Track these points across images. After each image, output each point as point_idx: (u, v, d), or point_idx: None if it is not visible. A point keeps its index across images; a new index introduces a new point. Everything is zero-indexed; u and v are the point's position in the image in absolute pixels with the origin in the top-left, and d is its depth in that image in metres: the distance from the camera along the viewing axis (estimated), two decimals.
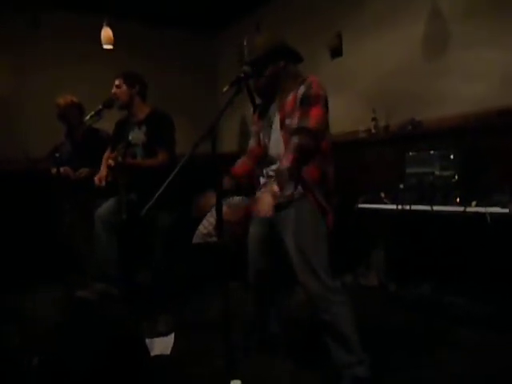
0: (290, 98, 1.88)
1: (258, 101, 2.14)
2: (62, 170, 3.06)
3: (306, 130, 1.74)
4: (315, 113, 1.76)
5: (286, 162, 1.70)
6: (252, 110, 2.47)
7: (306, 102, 1.78)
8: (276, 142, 1.95)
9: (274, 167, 1.96)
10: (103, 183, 2.62)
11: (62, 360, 1.95)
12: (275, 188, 1.67)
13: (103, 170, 2.71)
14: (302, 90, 1.83)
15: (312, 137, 1.74)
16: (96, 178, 2.67)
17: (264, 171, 2.04)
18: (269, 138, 2.00)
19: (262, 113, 2.08)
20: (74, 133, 3.34)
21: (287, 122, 1.87)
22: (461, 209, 2.43)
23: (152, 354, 2.28)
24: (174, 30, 5.12)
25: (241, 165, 2.17)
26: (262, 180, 2.04)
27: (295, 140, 1.74)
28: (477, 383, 1.92)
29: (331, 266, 1.87)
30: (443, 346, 2.25)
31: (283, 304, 2.26)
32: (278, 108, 1.96)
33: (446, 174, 2.67)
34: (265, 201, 1.66)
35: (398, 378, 1.96)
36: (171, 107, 3.03)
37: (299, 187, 1.85)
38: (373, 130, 3.58)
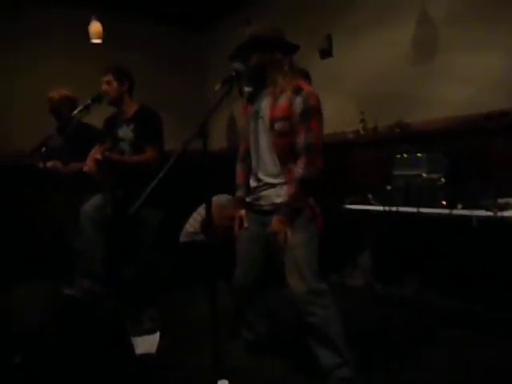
0: (283, 102, 1.87)
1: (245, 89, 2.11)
2: (50, 164, 3.03)
3: (314, 146, 1.83)
4: (315, 126, 1.84)
5: (289, 194, 1.85)
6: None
7: (308, 117, 1.83)
8: (266, 144, 1.94)
9: (262, 175, 1.97)
10: (94, 169, 2.58)
11: (45, 357, 1.93)
12: (285, 221, 1.84)
13: (89, 163, 2.67)
14: (298, 101, 1.84)
15: (318, 153, 1.84)
16: (85, 168, 2.64)
17: (254, 173, 2.04)
18: (256, 135, 1.99)
19: (251, 105, 2.06)
20: (66, 127, 3.29)
21: (277, 126, 1.87)
22: (447, 211, 2.47)
23: (137, 352, 2.26)
24: (163, 26, 5.06)
25: (241, 175, 2.17)
26: (253, 183, 2.04)
27: (299, 170, 1.83)
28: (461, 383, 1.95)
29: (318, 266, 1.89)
30: (428, 346, 2.28)
31: (269, 304, 2.25)
32: (268, 104, 1.94)
33: (433, 176, 2.70)
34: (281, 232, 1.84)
35: (384, 378, 1.98)
36: (159, 104, 3.00)
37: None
38: (361, 132, 3.60)
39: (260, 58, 1.92)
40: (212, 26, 5.30)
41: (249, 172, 2.10)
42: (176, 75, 5.15)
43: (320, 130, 1.86)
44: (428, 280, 2.92)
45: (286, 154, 1.88)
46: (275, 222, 1.86)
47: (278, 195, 1.91)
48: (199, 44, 5.49)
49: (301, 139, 1.83)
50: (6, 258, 3.37)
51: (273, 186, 1.93)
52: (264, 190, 1.97)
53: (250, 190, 2.07)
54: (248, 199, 2.08)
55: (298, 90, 1.85)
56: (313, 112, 1.84)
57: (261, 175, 1.98)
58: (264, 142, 1.95)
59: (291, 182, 1.86)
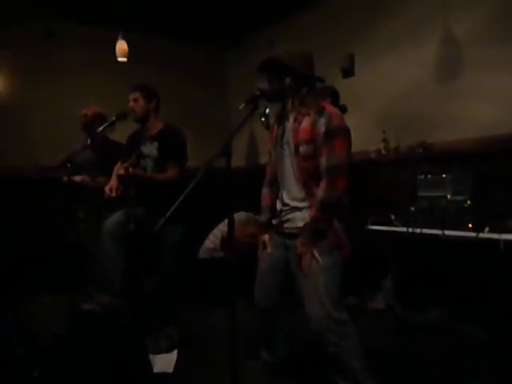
0: (306, 124, 1.84)
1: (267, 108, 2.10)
2: (79, 177, 3.11)
3: (336, 169, 1.77)
4: (339, 145, 1.78)
5: (310, 217, 1.82)
6: (261, 123, 2.43)
7: (330, 138, 1.78)
8: (291, 168, 1.93)
9: (287, 199, 1.95)
10: (113, 193, 2.61)
11: (64, 372, 1.92)
12: (308, 243, 1.80)
13: (114, 180, 2.70)
14: (322, 122, 1.80)
15: (340, 175, 1.78)
16: (107, 188, 2.65)
17: (280, 196, 2.02)
18: (281, 159, 1.98)
19: (277, 127, 2.05)
20: (96, 143, 3.37)
21: (301, 149, 1.85)
22: (473, 234, 2.40)
23: (154, 370, 2.24)
24: (187, 45, 5.18)
25: (267, 198, 2.15)
26: (279, 206, 2.02)
27: (320, 192, 1.79)
28: None
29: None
30: (453, 373, 2.19)
31: (290, 328, 2.20)
32: (291, 128, 1.93)
33: (458, 198, 2.64)
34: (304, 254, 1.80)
35: None
36: (180, 121, 3.01)
37: None
38: (383, 151, 3.57)
39: (275, 82, 1.92)
40: (236, 45, 5.39)
41: (275, 195, 2.08)
42: (198, 93, 5.23)
43: (344, 150, 1.79)
44: (452, 305, 2.83)
45: (311, 178, 1.85)
46: (299, 244, 1.83)
47: (303, 219, 1.87)
48: (222, 62, 5.59)
49: (323, 161, 1.80)
50: (28, 271, 3.42)
51: (298, 209, 1.91)
52: (289, 213, 1.95)
53: (276, 213, 2.05)
54: (274, 221, 2.06)
55: (321, 111, 1.82)
56: (336, 132, 1.79)
57: (286, 199, 1.96)
58: (289, 165, 1.93)
59: (314, 205, 1.83)
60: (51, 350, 2.03)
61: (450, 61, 3.18)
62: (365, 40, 3.83)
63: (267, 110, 2.38)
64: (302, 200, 1.89)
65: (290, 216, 1.94)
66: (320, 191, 1.80)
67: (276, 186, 2.07)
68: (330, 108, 1.85)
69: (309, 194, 1.87)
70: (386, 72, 3.65)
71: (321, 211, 1.79)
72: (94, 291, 2.72)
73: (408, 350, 2.52)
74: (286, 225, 1.97)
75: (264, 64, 1.92)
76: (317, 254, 1.78)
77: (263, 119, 2.40)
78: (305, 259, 1.80)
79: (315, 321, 1.79)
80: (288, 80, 1.89)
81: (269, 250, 2.05)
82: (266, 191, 2.15)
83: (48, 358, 2.03)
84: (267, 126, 2.42)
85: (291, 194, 1.93)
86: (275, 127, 2.06)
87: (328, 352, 1.80)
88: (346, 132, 1.84)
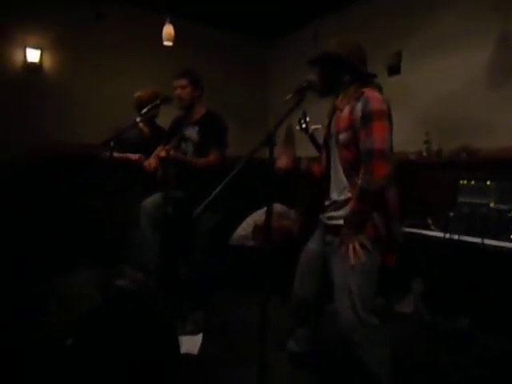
0: (346, 112, 1.81)
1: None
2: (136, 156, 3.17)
3: (374, 153, 1.65)
4: (377, 129, 1.66)
5: (350, 208, 1.75)
6: (300, 129, 2.41)
7: (367, 121, 1.69)
8: (335, 161, 1.91)
9: (333, 193, 1.92)
10: (151, 167, 2.65)
11: (96, 344, 1.99)
12: (349, 235, 1.72)
13: (153, 159, 2.75)
14: (359, 107, 1.73)
15: (380, 160, 1.65)
16: (146, 163, 2.71)
17: (327, 190, 1.98)
18: (330, 154, 1.96)
19: (328, 124, 2.02)
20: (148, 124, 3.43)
21: (341, 137, 1.81)
22: None
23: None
24: (231, 35, 5.18)
25: (316, 167, 2.11)
26: (326, 201, 1.99)
27: (359, 181, 1.70)
28: None
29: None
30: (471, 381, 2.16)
31: (317, 325, 2.19)
32: (335, 118, 1.91)
33: (501, 207, 2.55)
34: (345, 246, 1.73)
35: None
36: (220, 109, 3.03)
37: None
38: (424, 153, 3.48)
39: (327, 74, 1.90)
40: (279, 37, 5.35)
41: (318, 172, 2.07)
42: (240, 83, 5.25)
43: (383, 134, 1.66)
44: (482, 315, 2.74)
45: (352, 168, 1.79)
46: (340, 236, 1.77)
47: (343, 214, 1.82)
48: (265, 53, 5.56)
49: (362, 145, 1.70)
50: (67, 246, 3.54)
51: (341, 203, 1.87)
52: (332, 208, 1.92)
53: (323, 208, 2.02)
54: (320, 216, 2.03)
55: (359, 96, 1.76)
56: (373, 115, 1.68)
57: (332, 193, 1.93)
58: (335, 158, 1.90)
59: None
60: (85, 321, 2.10)
61: (504, 65, 3.05)
62: (414, 38, 3.72)
63: (307, 118, 2.34)
64: (346, 193, 1.83)
65: (332, 211, 1.92)
66: (358, 180, 1.72)
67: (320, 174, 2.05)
68: (368, 92, 1.75)
69: (350, 186, 1.80)
70: (434, 72, 3.54)
71: (358, 201, 1.69)
72: (130, 269, 2.78)
73: (431, 356, 2.47)
74: (327, 220, 1.95)
75: (319, 57, 1.90)
76: (357, 247, 1.70)
77: (303, 125, 2.35)
78: (343, 250, 1.72)
79: (343, 319, 1.76)
80: (343, 75, 1.86)
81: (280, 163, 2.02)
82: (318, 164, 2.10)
83: (81, 330, 2.11)
84: (306, 132, 2.38)
85: (336, 187, 1.90)
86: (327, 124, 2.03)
87: (354, 355, 1.77)
88: (385, 115, 1.70)
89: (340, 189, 1.88)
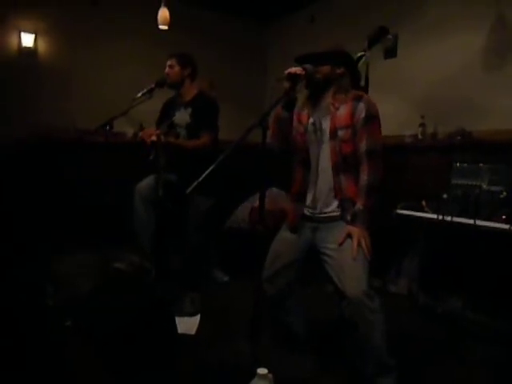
0: (345, 110, 1.89)
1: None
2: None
3: (376, 152, 1.86)
4: (378, 131, 1.90)
5: (362, 204, 1.84)
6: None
7: (370, 122, 1.87)
8: (323, 155, 1.94)
9: (320, 186, 1.96)
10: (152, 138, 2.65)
11: (94, 324, 2.03)
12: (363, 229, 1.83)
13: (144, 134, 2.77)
14: (361, 107, 1.86)
15: (380, 159, 1.87)
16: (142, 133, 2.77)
17: (311, 182, 2.00)
18: (317, 146, 1.97)
19: (307, 116, 2.03)
20: None
21: (340, 133, 1.88)
22: (506, 226, 2.35)
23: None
24: (228, 18, 5.14)
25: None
26: (310, 195, 2.00)
27: (365, 177, 1.85)
28: None
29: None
30: (471, 365, 2.21)
31: (306, 303, 2.23)
32: (328, 116, 1.93)
33: (493, 188, 2.57)
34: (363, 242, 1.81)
35: None
36: (218, 93, 3.03)
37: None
38: (419, 136, 3.50)
39: (332, 70, 1.94)
40: (276, 20, 5.31)
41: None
42: (238, 65, 5.22)
43: (380, 136, 1.90)
44: (476, 296, 2.79)
45: (345, 162, 1.88)
46: (352, 229, 1.83)
47: (329, 205, 1.93)
48: (263, 36, 5.52)
49: (363, 143, 1.86)
50: (63, 230, 3.57)
51: (328, 197, 1.93)
52: (319, 201, 1.96)
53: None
54: (304, 209, 2.03)
55: (358, 98, 1.90)
56: (375, 118, 1.88)
57: (318, 185, 1.96)
58: (321, 152, 1.94)
59: (350, 192, 1.87)
60: (84, 302, 2.14)
61: (500, 48, 3.05)
62: (411, 21, 3.70)
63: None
64: (332, 188, 1.91)
65: (320, 204, 1.96)
66: (364, 176, 1.85)
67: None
68: (366, 96, 1.93)
69: (336, 181, 1.90)
70: (430, 55, 3.53)
71: (367, 196, 1.84)
72: (126, 252, 2.82)
73: (425, 338, 2.52)
74: (318, 214, 1.97)
75: (326, 53, 1.95)
76: (368, 242, 1.82)
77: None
78: (355, 244, 1.80)
79: (352, 296, 1.76)
80: (343, 75, 1.96)
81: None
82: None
83: (80, 310, 2.15)
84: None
85: (322, 181, 1.94)
86: (304, 113, 2.03)
87: (353, 326, 1.79)
88: (379, 119, 1.92)
89: (325, 183, 1.94)
